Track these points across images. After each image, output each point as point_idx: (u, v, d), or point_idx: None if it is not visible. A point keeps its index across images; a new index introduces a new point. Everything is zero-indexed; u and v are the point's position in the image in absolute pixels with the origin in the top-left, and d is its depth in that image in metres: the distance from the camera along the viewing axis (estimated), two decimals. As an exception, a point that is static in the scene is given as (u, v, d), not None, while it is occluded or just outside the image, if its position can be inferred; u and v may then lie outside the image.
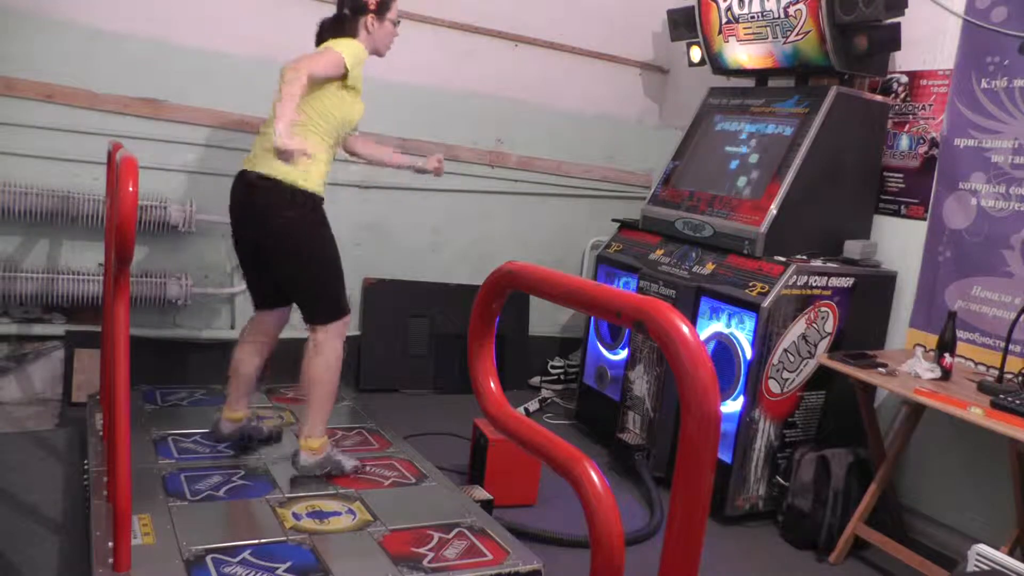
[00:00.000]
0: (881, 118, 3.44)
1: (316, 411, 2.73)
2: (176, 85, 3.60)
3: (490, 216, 4.46)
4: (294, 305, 2.88)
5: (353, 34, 2.71)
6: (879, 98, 3.45)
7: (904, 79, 3.41)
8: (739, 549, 2.99)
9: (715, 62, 3.85)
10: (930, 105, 3.30)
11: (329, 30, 2.75)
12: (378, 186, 4.11)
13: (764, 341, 3.03)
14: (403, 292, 4.26)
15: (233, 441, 2.95)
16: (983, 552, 2.17)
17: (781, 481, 3.14)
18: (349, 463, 2.84)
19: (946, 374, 2.77)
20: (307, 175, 2.61)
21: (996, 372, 2.78)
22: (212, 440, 2.97)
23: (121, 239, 1.87)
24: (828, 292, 3.13)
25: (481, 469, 3.00)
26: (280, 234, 2.62)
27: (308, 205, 2.64)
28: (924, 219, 3.29)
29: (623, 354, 3.67)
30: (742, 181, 3.44)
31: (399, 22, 2.85)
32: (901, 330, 3.35)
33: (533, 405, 4.25)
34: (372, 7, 2.72)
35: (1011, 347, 2.73)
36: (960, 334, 2.98)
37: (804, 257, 3.20)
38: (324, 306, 2.72)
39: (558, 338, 4.75)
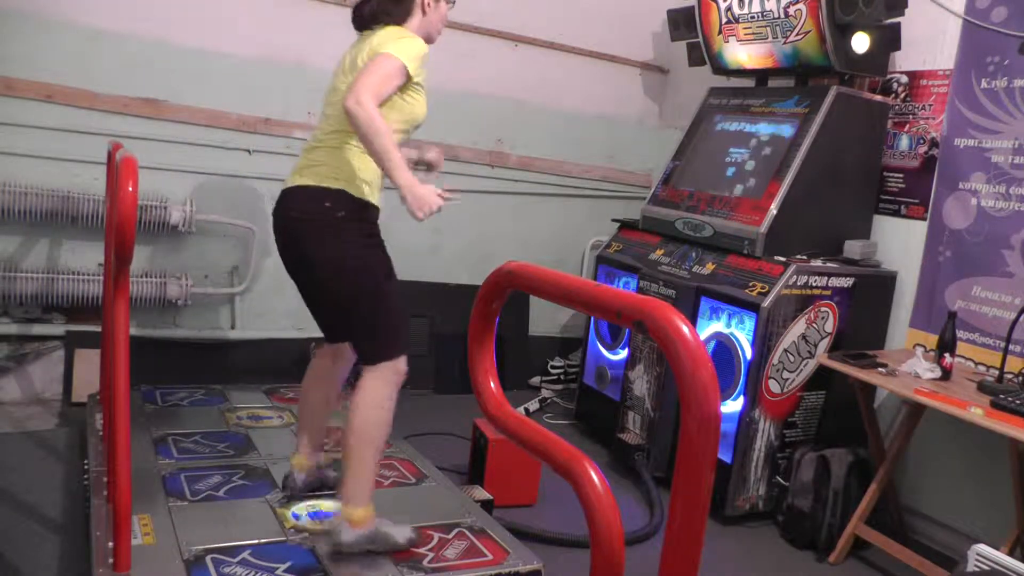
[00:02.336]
0: (881, 118, 3.44)
1: (355, 471, 2.25)
2: (176, 85, 3.60)
3: (490, 216, 4.46)
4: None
5: (406, 16, 2.34)
6: (879, 98, 3.45)
7: (904, 79, 3.41)
8: (739, 549, 2.99)
9: (715, 62, 3.85)
10: (930, 105, 3.30)
11: (378, 13, 2.33)
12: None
13: (764, 341, 3.02)
14: (403, 292, 4.22)
15: (302, 491, 2.59)
16: (983, 552, 2.17)
17: (781, 481, 3.14)
18: (403, 535, 2.33)
19: (946, 374, 2.77)
20: (350, 182, 2.26)
21: (996, 372, 2.78)
22: (287, 494, 2.60)
23: (121, 239, 1.87)
24: (828, 292, 3.13)
25: (481, 469, 3.00)
26: (318, 249, 2.24)
27: (353, 216, 2.26)
28: (924, 219, 3.29)
29: (623, 354, 3.67)
30: (742, 181, 3.44)
31: (454, 2, 2.51)
32: (901, 330, 3.35)
33: (533, 405, 4.25)
34: None
35: (1011, 347, 2.73)
36: (960, 334, 2.98)
37: (804, 257, 3.20)
38: (372, 341, 2.28)
39: (558, 338, 4.75)
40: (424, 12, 2.38)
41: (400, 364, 2.30)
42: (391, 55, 2.16)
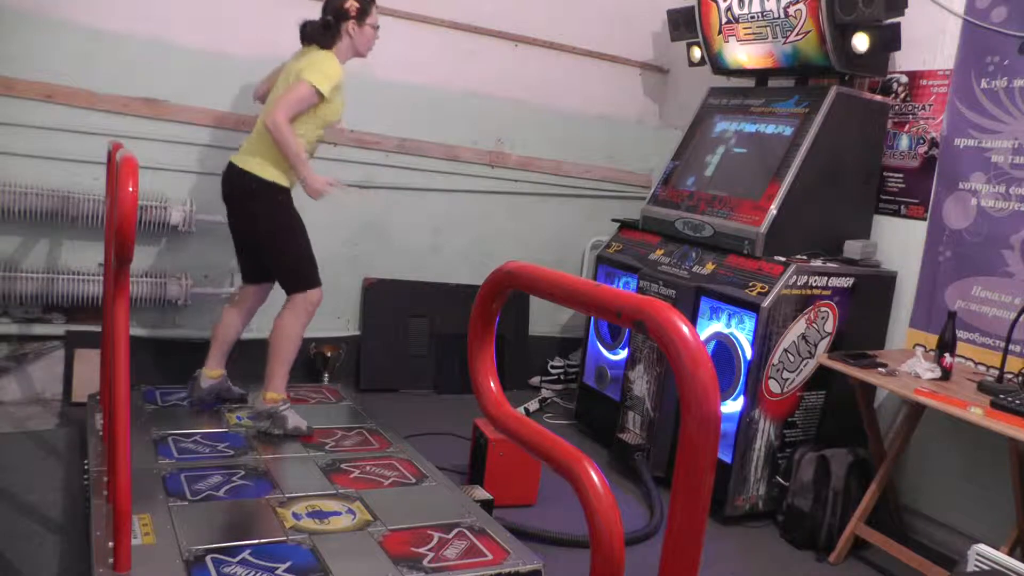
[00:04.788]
0: (881, 118, 3.44)
1: (273, 367, 3.09)
2: (176, 85, 3.60)
3: (490, 216, 4.46)
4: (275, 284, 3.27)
5: (335, 39, 3.03)
6: (879, 98, 3.45)
7: (904, 79, 3.41)
8: (739, 549, 2.99)
9: (715, 62, 3.85)
10: (930, 105, 3.30)
11: (314, 35, 3.04)
12: (378, 186, 4.11)
13: (764, 341, 3.02)
14: (403, 292, 4.26)
15: (207, 400, 3.30)
16: (983, 552, 2.17)
17: (781, 481, 3.14)
18: (293, 423, 3.10)
19: (946, 374, 2.77)
20: (274, 169, 3.00)
21: (996, 372, 2.78)
22: (189, 397, 3.33)
23: (121, 239, 1.87)
24: (828, 292, 3.13)
25: (481, 469, 3.00)
26: (252, 217, 3.08)
27: (274, 193, 3.03)
28: (924, 219, 3.29)
29: (623, 354, 3.67)
30: (742, 181, 3.44)
31: (379, 26, 3.13)
32: (901, 330, 3.35)
33: (533, 405, 4.25)
34: (353, 14, 3.02)
35: (1011, 347, 2.73)
36: (960, 334, 2.98)
37: (804, 257, 3.20)
38: (290, 278, 3.11)
39: (558, 338, 4.75)
40: (350, 36, 3.05)
41: (311, 296, 3.09)
42: (308, 83, 2.90)
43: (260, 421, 3.13)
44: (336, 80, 2.98)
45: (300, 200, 3.26)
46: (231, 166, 3.08)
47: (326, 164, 3.70)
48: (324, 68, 2.96)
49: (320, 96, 2.93)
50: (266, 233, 3.09)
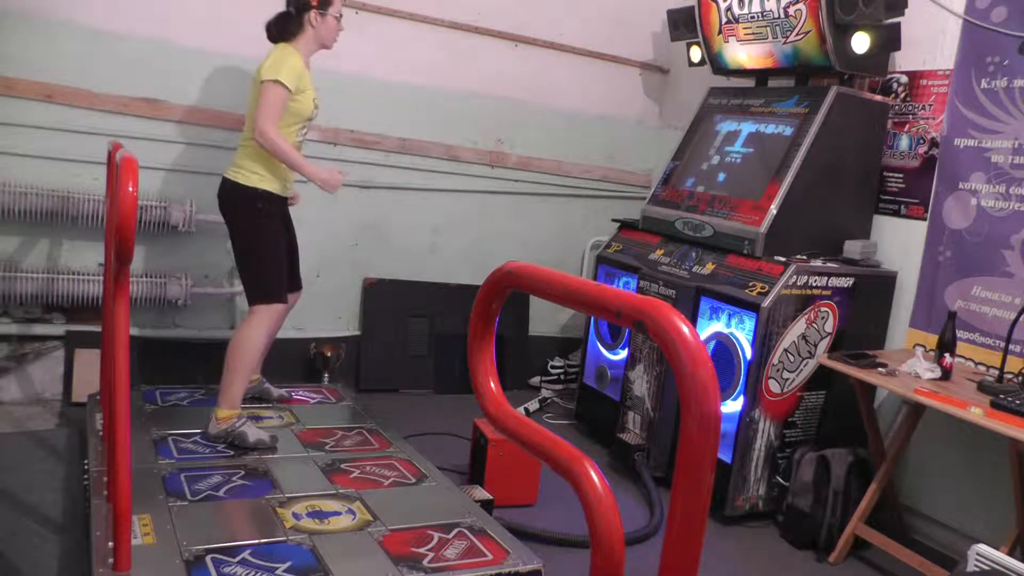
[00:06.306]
0: (881, 118, 3.44)
1: (227, 382, 2.96)
2: (176, 85, 3.60)
3: (490, 216, 4.46)
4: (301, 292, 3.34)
5: (298, 31, 2.97)
6: (879, 98, 3.45)
7: (904, 79, 3.41)
8: (739, 549, 2.99)
9: (715, 62, 3.85)
10: (930, 105, 3.30)
11: (277, 28, 3.00)
12: (378, 186, 4.11)
13: (764, 341, 3.02)
14: (403, 292, 4.26)
15: (247, 398, 3.24)
16: (983, 552, 2.17)
17: (781, 481, 3.14)
18: (254, 436, 2.96)
19: (946, 374, 2.77)
20: (256, 175, 2.96)
21: (996, 372, 2.78)
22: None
23: (121, 239, 1.87)
24: (828, 292, 3.13)
25: (481, 469, 3.00)
26: (230, 223, 3.05)
27: (253, 200, 2.97)
28: (924, 219, 3.29)
29: (623, 354, 3.67)
30: (742, 181, 3.44)
31: (341, 15, 3.07)
32: (901, 330, 3.35)
33: (533, 405, 4.25)
34: (314, 3, 2.95)
35: (1011, 347, 2.73)
36: (960, 334, 2.98)
37: (804, 257, 3.20)
38: (252, 288, 3.03)
39: (558, 338, 4.75)
40: (313, 26, 2.98)
41: (273, 308, 3.01)
42: (272, 83, 2.83)
43: (218, 444, 2.95)
44: (297, 71, 2.90)
45: (303, 198, 3.28)
46: (222, 179, 3.05)
47: (326, 165, 3.69)
48: (282, 62, 2.86)
49: (286, 89, 2.85)
50: (239, 238, 3.03)
